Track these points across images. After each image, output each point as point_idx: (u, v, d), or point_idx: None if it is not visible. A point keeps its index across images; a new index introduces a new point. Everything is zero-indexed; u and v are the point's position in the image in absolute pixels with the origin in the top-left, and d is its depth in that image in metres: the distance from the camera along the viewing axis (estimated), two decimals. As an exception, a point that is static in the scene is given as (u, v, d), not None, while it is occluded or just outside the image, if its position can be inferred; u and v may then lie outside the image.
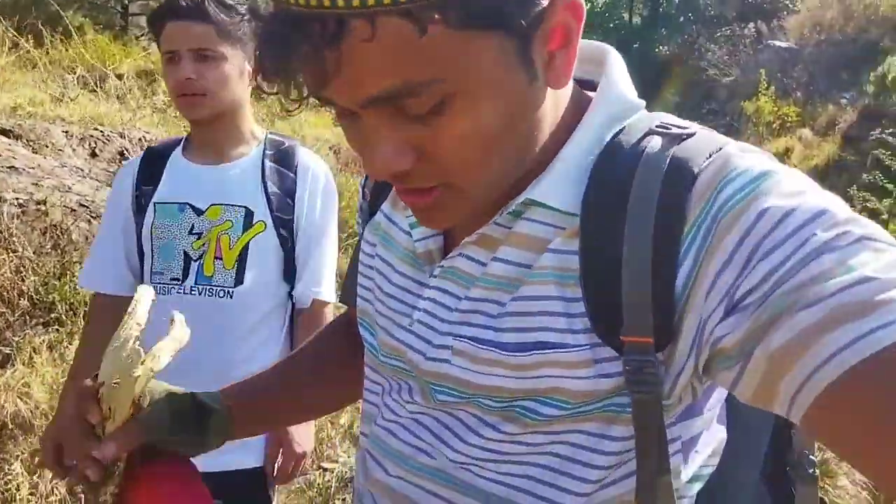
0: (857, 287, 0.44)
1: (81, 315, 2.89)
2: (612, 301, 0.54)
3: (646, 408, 0.56)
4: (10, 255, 2.90)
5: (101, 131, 4.23)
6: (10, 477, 2.35)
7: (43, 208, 3.10)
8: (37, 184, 3.26)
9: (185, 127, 3.90)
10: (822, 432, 0.46)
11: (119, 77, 5.83)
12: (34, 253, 2.97)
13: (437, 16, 0.46)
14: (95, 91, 5.35)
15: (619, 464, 0.59)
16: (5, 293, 2.81)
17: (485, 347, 0.59)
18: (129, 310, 0.73)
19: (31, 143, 3.71)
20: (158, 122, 4.89)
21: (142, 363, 0.69)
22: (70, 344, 2.80)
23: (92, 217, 3.25)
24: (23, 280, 2.87)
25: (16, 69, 5.24)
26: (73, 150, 3.98)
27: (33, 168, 3.34)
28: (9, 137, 3.62)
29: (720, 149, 0.55)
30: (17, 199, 3.11)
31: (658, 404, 0.55)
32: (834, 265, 0.45)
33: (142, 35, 8.08)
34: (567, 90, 0.61)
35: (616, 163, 0.57)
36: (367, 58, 0.47)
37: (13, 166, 3.28)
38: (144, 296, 0.76)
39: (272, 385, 0.88)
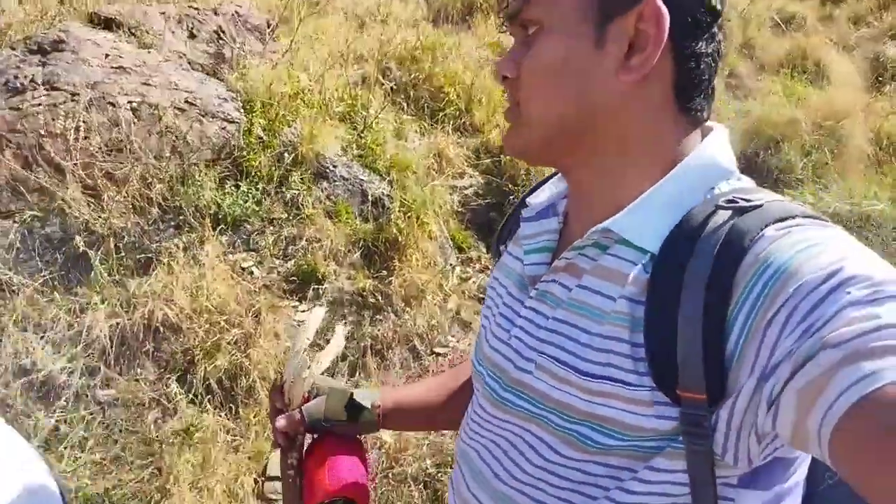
0: (876, 332, 0.47)
1: (207, 218, 3.05)
2: (669, 359, 0.60)
3: (699, 459, 0.61)
4: (135, 162, 3.03)
5: (196, 8, 4.16)
6: (168, 376, 2.65)
7: (157, 112, 3.17)
8: (146, 83, 3.30)
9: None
10: (838, 466, 0.48)
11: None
12: (155, 158, 3.09)
13: None
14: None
15: None
16: (136, 202, 2.98)
17: (563, 368, 0.68)
18: (303, 326, 0.99)
19: (132, 32, 3.72)
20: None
21: (308, 367, 0.96)
22: (202, 246, 2.98)
23: (202, 116, 3.30)
24: (149, 187, 3.02)
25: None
26: (173, 32, 3.96)
27: (139, 66, 3.37)
28: (111, 30, 3.63)
29: (776, 221, 0.59)
30: (129, 102, 3.19)
31: (710, 458, 0.60)
32: (863, 315, 0.49)
33: None
34: (671, 131, 0.69)
35: (687, 234, 0.63)
36: None
37: (121, 66, 3.32)
38: (316, 315, 1.02)
39: (429, 395, 1.03)
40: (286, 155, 3.41)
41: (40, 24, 3.52)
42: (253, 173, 3.27)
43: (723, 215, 0.62)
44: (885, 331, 0.47)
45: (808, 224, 0.59)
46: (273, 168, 3.34)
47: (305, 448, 0.97)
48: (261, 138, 3.37)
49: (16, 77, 3.05)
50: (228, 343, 2.73)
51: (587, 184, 0.73)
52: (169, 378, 2.64)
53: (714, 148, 0.69)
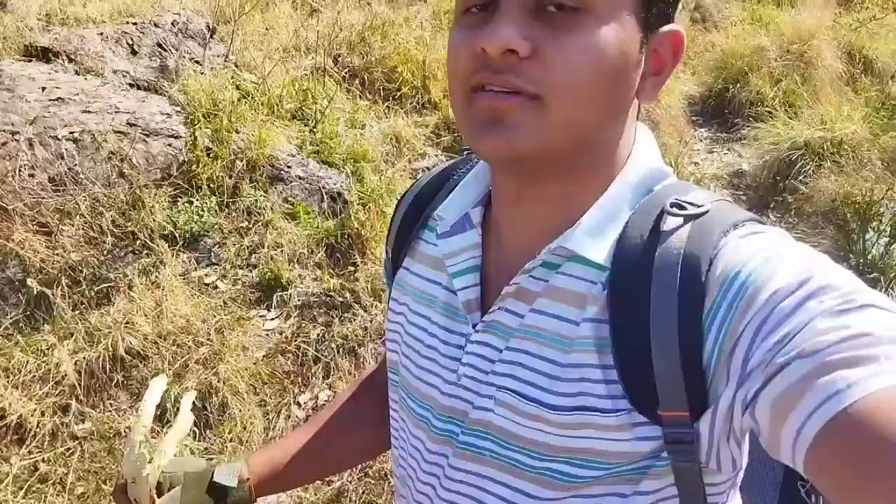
0: (852, 340, 0.47)
1: (163, 239, 3.04)
2: (645, 379, 0.57)
3: (686, 472, 0.60)
4: (83, 193, 3.03)
5: (135, 23, 4.10)
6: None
7: (98, 139, 3.15)
8: (86, 111, 3.27)
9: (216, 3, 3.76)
10: (816, 482, 0.48)
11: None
12: (103, 186, 3.08)
13: None
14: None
15: None
16: (89, 233, 2.98)
17: (530, 404, 0.63)
18: (139, 411, 0.87)
19: (70, 58, 3.68)
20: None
21: (149, 462, 0.82)
22: (161, 268, 2.99)
23: (145, 136, 3.27)
24: (100, 216, 3.01)
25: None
26: (113, 51, 3.92)
27: (77, 94, 3.34)
28: (48, 61, 3.59)
29: (733, 228, 0.59)
30: (70, 133, 3.17)
31: (699, 472, 0.59)
32: (833, 324, 0.49)
33: None
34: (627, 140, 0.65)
35: (637, 243, 0.60)
36: None
37: (59, 97, 3.29)
38: (154, 391, 0.89)
39: (309, 441, 0.91)
40: (238, 162, 3.38)
41: (-28, 65, 3.48)
42: (205, 186, 3.25)
43: (673, 221, 0.60)
44: (856, 340, 0.47)
45: (764, 230, 0.60)
46: (226, 178, 3.32)
47: None
48: (209, 149, 3.34)
49: (-49, 125, 3.03)
50: (196, 362, 2.74)
51: (548, 198, 0.64)
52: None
53: (648, 148, 0.67)
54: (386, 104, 4.32)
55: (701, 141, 5.09)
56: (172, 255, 3.04)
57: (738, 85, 4.87)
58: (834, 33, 5.06)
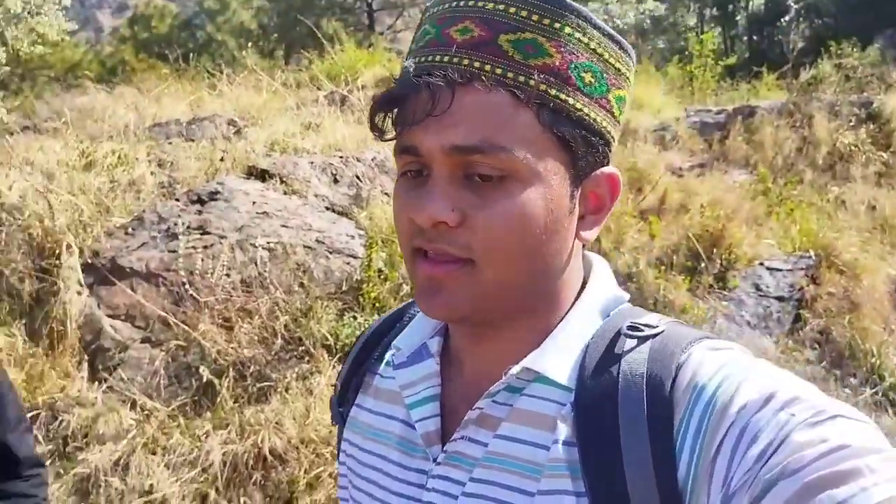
0: (829, 456, 0.48)
1: (324, 349, 3.21)
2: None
3: None
4: (266, 296, 3.31)
5: (341, 156, 4.62)
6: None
7: (289, 250, 3.48)
8: (284, 225, 3.66)
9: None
10: None
11: (362, 88, 6.31)
12: (284, 293, 3.36)
13: (533, 107, 0.59)
14: (342, 107, 5.86)
15: None
16: (264, 332, 3.22)
17: None
18: None
19: (282, 180, 4.19)
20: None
21: None
22: (319, 375, 3.12)
23: (329, 252, 3.57)
24: (276, 319, 3.26)
25: (275, 98, 5.95)
26: (318, 178, 4.41)
27: (280, 210, 3.76)
28: (264, 180, 4.12)
29: (695, 342, 0.60)
30: (267, 242, 3.54)
31: None
32: (809, 439, 0.49)
33: (385, 31, 8.63)
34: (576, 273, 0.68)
35: (598, 366, 0.61)
36: (472, 110, 0.58)
37: (265, 212, 3.72)
38: None
39: None
40: (404, 286, 3.54)
41: (203, 177, 4.08)
42: (370, 305, 3.42)
43: (630, 343, 0.61)
44: (836, 454, 0.48)
45: (727, 345, 0.61)
46: (391, 298, 3.47)
47: None
48: (380, 271, 3.54)
49: (175, 224, 3.53)
50: (329, 475, 2.76)
51: (504, 338, 0.65)
52: (272, 508, 2.70)
53: (603, 276, 0.70)
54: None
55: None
56: (329, 365, 3.17)
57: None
58: None
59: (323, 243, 3.59)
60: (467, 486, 0.62)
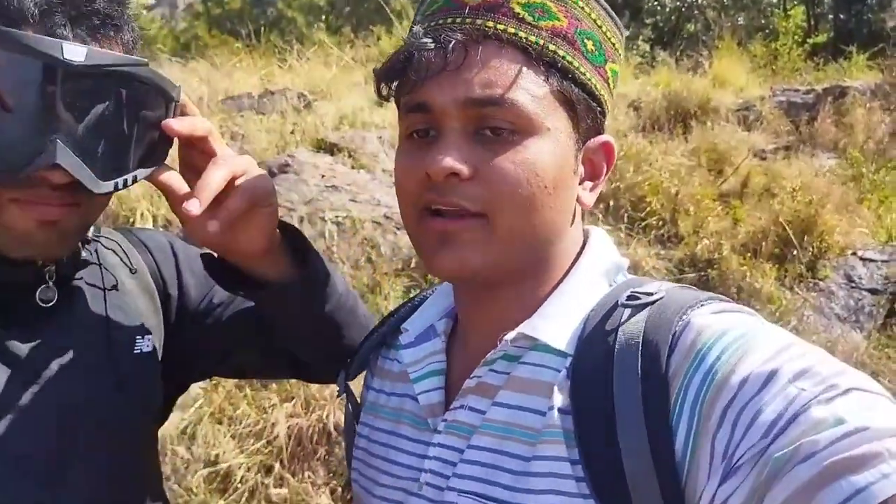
0: (848, 439, 0.46)
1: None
2: (617, 480, 0.55)
3: None
4: (332, 271, 3.28)
5: (408, 131, 4.54)
6: (335, 482, 2.69)
7: (357, 224, 3.43)
8: (353, 200, 3.62)
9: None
10: None
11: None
12: (351, 267, 3.32)
13: (543, 66, 0.62)
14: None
15: None
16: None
17: None
18: None
19: (350, 154, 4.15)
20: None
21: None
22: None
23: (397, 228, 3.50)
24: (343, 294, 3.22)
25: (344, 73, 5.92)
26: (386, 153, 4.35)
27: (349, 185, 3.72)
28: (332, 154, 4.08)
29: (697, 306, 0.59)
30: (336, 216, 3.50)
31: None
32: (824, 417, 0.48)
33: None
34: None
35: (597, 336, 0.61)
36: (486, 65, 0.60)
37: (334, 185, 3.68)
38: None
39: None
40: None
41: (274, 150, 4.07)
42: (436, 282, 3.34)
43: (626, 312, 0.61)
44: (855, 436, 0.46)
45: (735, 308, 0.61)
46: (458, 279, 3.39)
47: None
48: (449, 250, 3.46)
49: (245, 196, 3.53)
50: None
51: (504, 298, 0.67)
52: (336, 484, 2.68)
53: (604, 243, 0.71)
54: (629, 232, 4.18)
55: None
56: (395, 343, 3.12)
57: None
58: None
59: (391, 219, 3.53)
60: (465, 452, 0.64)
